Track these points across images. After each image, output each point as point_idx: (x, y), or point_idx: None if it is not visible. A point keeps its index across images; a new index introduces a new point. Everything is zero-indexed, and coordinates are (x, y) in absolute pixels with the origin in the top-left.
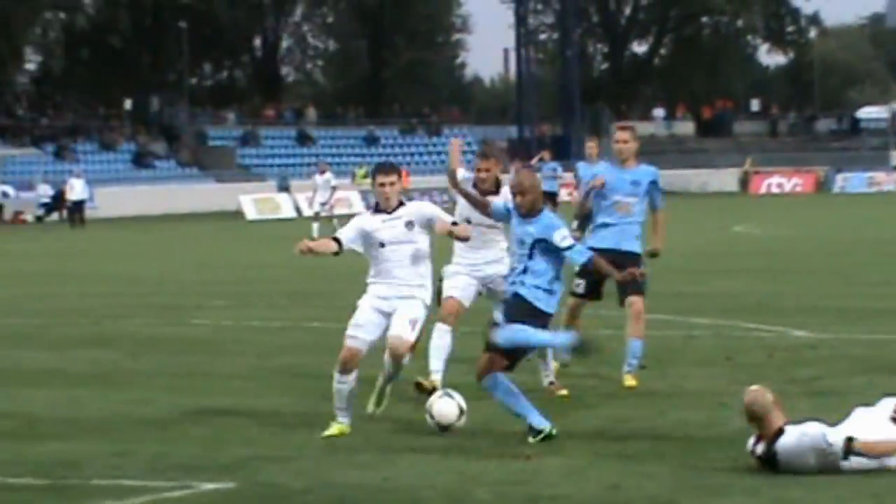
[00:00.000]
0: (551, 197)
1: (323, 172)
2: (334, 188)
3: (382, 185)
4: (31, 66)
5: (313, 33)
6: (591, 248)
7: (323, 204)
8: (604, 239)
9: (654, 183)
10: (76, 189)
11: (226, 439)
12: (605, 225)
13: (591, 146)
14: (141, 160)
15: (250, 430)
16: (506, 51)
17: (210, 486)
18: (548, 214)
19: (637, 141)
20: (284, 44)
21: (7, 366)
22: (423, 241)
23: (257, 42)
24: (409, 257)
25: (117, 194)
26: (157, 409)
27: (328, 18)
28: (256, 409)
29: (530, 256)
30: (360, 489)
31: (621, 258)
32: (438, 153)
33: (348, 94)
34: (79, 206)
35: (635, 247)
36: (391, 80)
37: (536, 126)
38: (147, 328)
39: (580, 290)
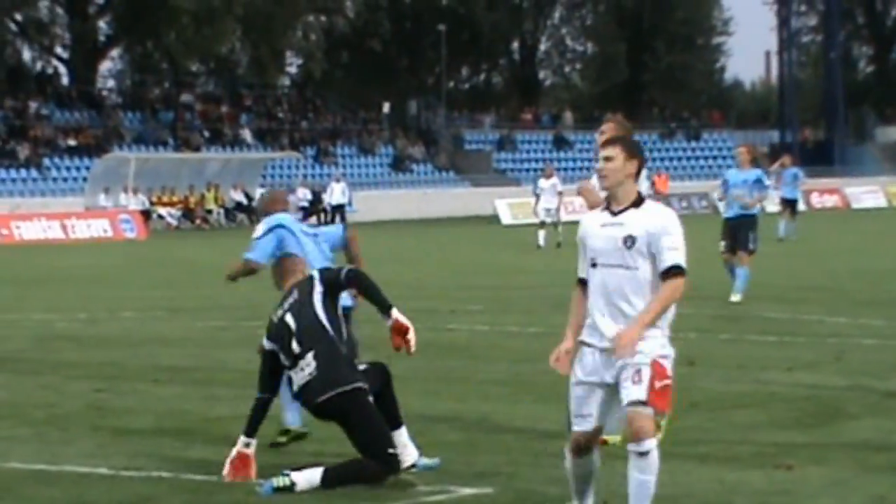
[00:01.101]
0: (791, 203)
1: (549, 176)
2: (560, 193)
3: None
4: (291, 70)
5: (572, 36)
6: None
7: (549, 210)
8: None
9: None
10: (336, 193)
11: (482, 445)
12: None
13: (741, 152)
14: (399, 164)
15: (506, 435)
16: (767, 54)
17: (468, 490)
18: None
19: None
20: (542, 47)
21: None
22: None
23: (515, 45)
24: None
25: (376, 198)
26: (412, 413)
27: (587, 21)
28: (512, 415)
29: None
30: (618, 497)
31: None
32: (698, 158)
33: (606, 98)
34: (338, 209)
35: None
36: (650, 84)
37: (799, 131)
38: None
39: None
